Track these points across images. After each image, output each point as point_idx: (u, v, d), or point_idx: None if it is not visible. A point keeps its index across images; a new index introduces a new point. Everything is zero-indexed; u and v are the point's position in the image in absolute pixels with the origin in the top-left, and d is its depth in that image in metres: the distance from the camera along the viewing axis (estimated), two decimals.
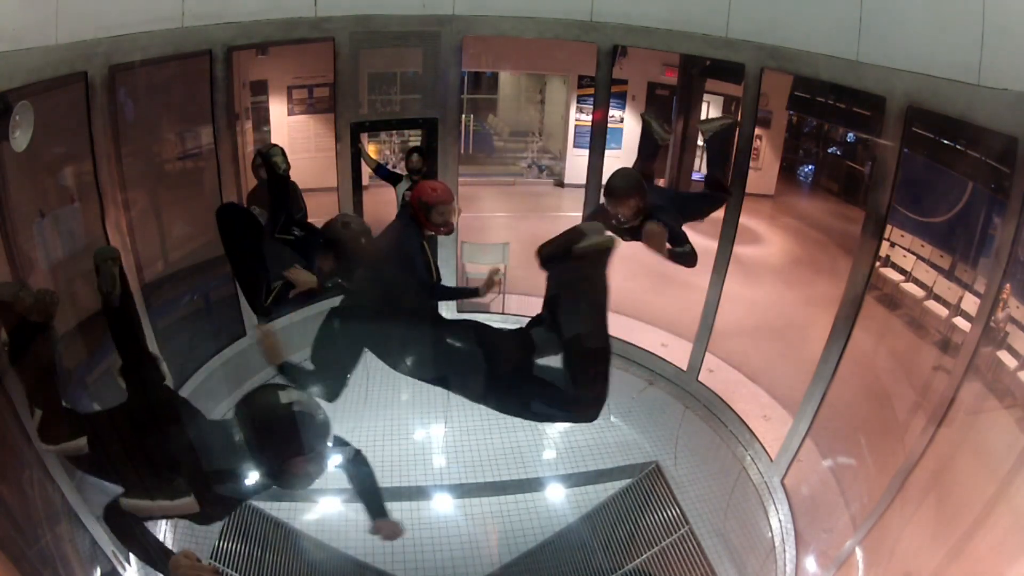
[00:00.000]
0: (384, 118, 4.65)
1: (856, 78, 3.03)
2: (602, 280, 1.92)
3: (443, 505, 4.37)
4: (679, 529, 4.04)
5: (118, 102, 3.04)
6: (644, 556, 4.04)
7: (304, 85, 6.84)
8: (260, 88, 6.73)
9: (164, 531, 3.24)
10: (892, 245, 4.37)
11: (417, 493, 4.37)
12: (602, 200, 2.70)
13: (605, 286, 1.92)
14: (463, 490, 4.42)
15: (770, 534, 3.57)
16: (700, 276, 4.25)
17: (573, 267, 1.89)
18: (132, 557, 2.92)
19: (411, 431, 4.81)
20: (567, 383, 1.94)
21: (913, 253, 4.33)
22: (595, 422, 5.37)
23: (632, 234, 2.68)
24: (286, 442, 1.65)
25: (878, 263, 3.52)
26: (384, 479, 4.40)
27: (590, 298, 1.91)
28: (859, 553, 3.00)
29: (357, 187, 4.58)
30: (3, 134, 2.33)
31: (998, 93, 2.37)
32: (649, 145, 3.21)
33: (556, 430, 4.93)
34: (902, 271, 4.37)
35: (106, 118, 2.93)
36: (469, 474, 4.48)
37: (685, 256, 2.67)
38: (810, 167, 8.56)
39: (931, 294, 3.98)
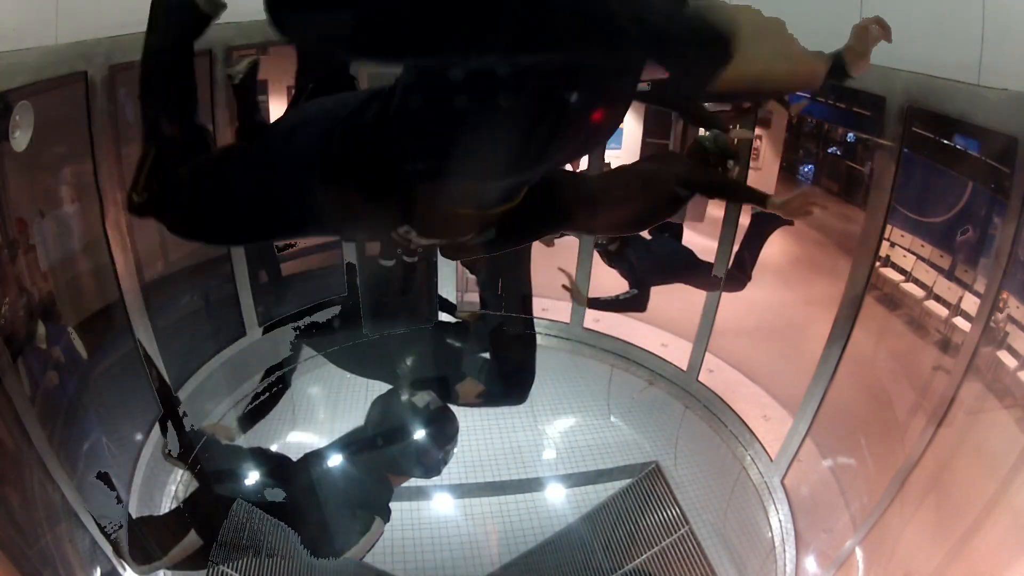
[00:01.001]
0: None
1: (856, 78, 3.02)
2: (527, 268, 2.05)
3: (443, 505, 4.37)
4: (679, 529, 4.04)
5: (118, 102, 3.03)
6: (644, 556, 4.04)
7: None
8: (260, 88, 6.72)
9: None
10: (892, 245, 4.37)
11: (417, 493, 4.37)
12: None
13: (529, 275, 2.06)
14: (463, 490, 4.42)
15: (770, 534, 3.57)
16: None
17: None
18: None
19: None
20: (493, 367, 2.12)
21: (913, 253, 4.33)
22: (595, 422, 5.36)
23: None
24: (443, 435, 1.99)
25: (878, 263, 3.51)
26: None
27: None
28: (859, 553, 3.00)
29: None
30: (3, 134, 2.33)
31: (998, 93, 2.37)
32: None
33: (556, 430, 4.93)
34: (902, 271, 4.37)
35: (106, 118, 2.92)
36: (469, 474, 4.48)
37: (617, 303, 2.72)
38: (810, 167, 8.54)
39: (931, 294, 3.98)
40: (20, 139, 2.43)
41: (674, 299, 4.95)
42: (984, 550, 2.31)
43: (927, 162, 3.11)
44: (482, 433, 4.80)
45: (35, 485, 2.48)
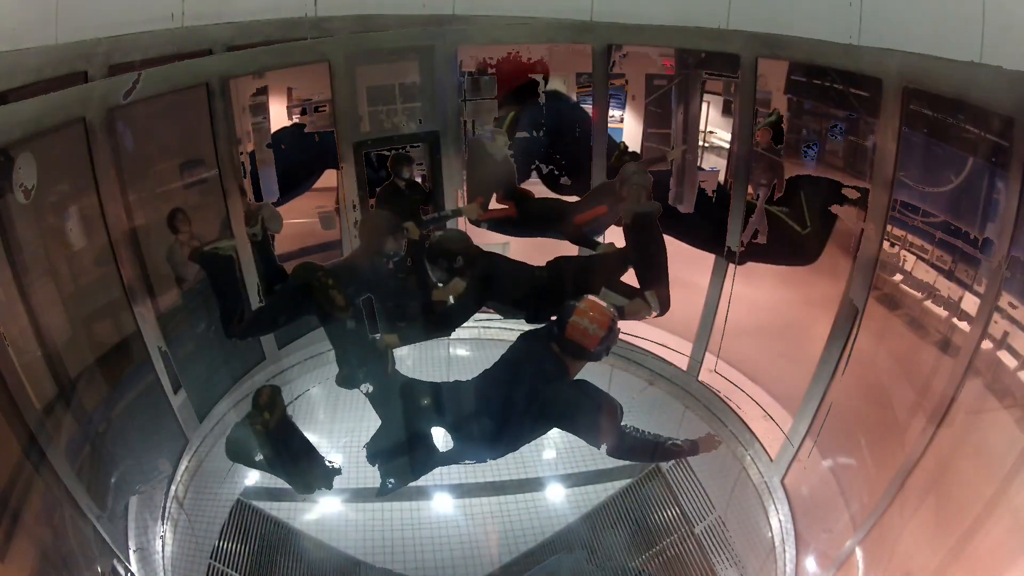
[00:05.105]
0: (386, 134, 4.61)
1: (851, 61, 3.01)
2: None
3: (443, 505, 4.38)
4: (679, 529, 4.03)
5: (118, 139, 2.96)
6: (644, 556, 4.04)
7: (302, 103, 6.82)
8: (259, 109, 6.70)
9: (164, 529, 3.26)
10: (892, 245, 4.34)
11: (417, 493, 4.38)
12: None
13: None
14: (463, 490, 4.42)
15: (770, 534, 3.56)
16: (700, 276, 4.23)
17: None
18: None
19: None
20: None
21: (914, 253, 4.30)
22: None
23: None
24: None
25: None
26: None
27: None
28: (859, 553, 2.99)
29: (363, 208, 4.54)
30: (7, 187, 2.32)
31: (992, 71, 2.32)
32: None
33: (556, 430, 4.92)
34: (902, 271, 4.34)
35: (108, 158, 2.89)
36: (469, 474, 4.48)
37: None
38: (814, 145, 8.41)
39: (931, 294, 3.95)
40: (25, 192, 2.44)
41: (674, 299, 4.93)
42: (984, 550, 2.29)
43: (928, 140, 3.08)
44: None
45: (67, 522, 2.50)
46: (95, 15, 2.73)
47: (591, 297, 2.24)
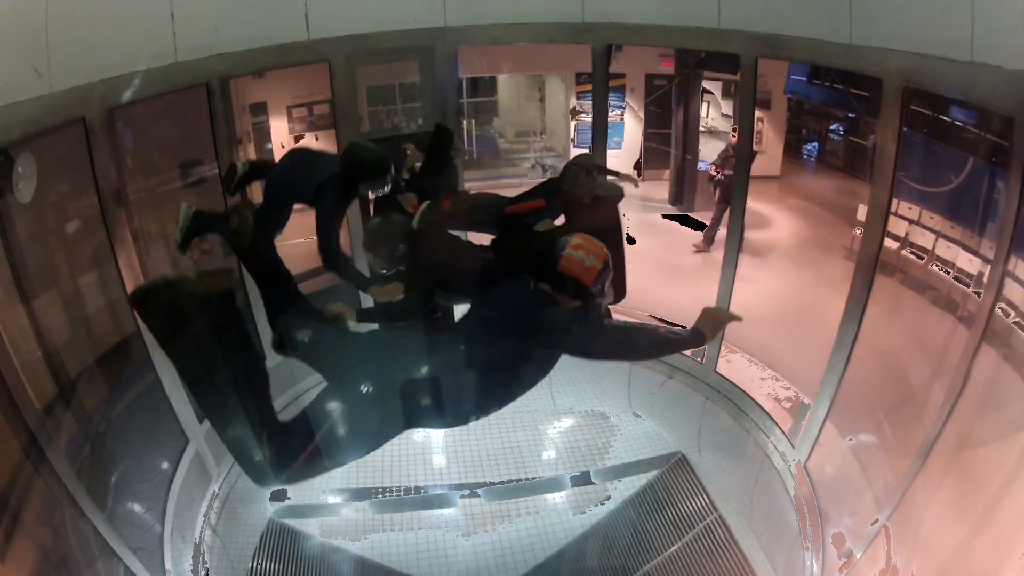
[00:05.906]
0: (385, 134, 4.60)
1: (851, 61, 3.04)
2: None
3: (443, 505, 4.28)
4: (707, 517, 3.95)
5: (118, 139, 2.96)
6: (671, 549, 3.94)
7: (303, 103, 6.83)
8: (260, 109, 6.71)
9: (169, 527, 3.16)
10: (904, 245, 4.30)
11: (417, 493, 4.28)
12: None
13: None
14: (463, 490, 4.32)
15: (795, 519, 3.50)
16: (711, 269, 4.22)
17: None
18: None
19: (411, 431, 4.71)
20: None
21: (914, 253, 4.31)
22: (617, 419, 5.18)
23: None
24: None
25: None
26: (384, 479, 4.34)
27: None
28: (885, 532, 2.94)
29: (363, 205, 4.52)
30: (7, 187, 2.28)
31: (992, 71, 2.32)
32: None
33: (556, 430, 4.85)
34: (902, 271, 4.36)
35: (108, 158, 2.87)
36: (469, 474, 4.38)
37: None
38: (814, 145, 8.51)
39: (931, 293, 3.96)
40: (25, 190, 2.40)
41: (683, 294, 4.94)
42: (1007, 521, 2.27)
43: (929, 139, 3.12)
44: (482, 433, 4.71)
45: (67, 522, 2.44)
46: (87, 59, 2.65)
47: (581, 233, 2.01)
